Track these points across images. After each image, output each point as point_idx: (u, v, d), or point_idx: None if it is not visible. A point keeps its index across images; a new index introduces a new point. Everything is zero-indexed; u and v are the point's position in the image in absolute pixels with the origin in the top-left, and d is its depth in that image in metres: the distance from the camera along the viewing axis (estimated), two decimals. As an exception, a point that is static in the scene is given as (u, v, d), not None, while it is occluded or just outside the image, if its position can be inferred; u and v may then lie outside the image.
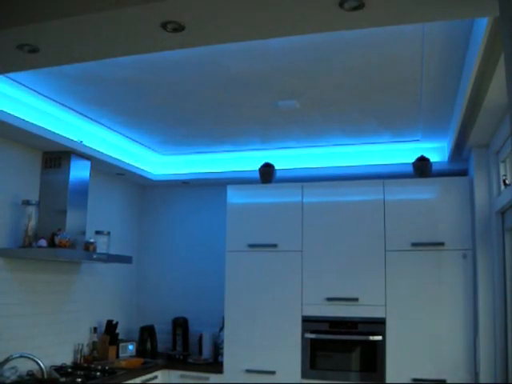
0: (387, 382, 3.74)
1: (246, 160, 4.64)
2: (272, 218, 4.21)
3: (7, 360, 3.08)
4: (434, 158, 4.16)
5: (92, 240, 3.94)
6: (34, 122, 3.40)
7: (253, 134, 4.10)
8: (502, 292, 3.34)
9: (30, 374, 3.42)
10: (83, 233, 3.96)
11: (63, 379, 3.51)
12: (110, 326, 4.45)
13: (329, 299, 3.96)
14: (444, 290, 3.76)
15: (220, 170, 4.72)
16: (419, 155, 4.10)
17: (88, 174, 4.05)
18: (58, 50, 2.23)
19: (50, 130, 3.53)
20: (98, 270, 4.52)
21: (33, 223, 3.58)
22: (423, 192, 3.98)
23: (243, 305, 4.17)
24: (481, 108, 2.74)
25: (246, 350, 4.12)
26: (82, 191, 3.98)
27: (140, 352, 4.63)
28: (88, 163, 4.05)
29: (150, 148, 4.65)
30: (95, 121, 3.86)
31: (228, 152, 4.65)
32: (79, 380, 3.50)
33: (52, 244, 3.56)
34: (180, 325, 4.79)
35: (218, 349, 4.50)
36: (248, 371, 4.05)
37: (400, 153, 4.26)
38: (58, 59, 2.37)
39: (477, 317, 3.57)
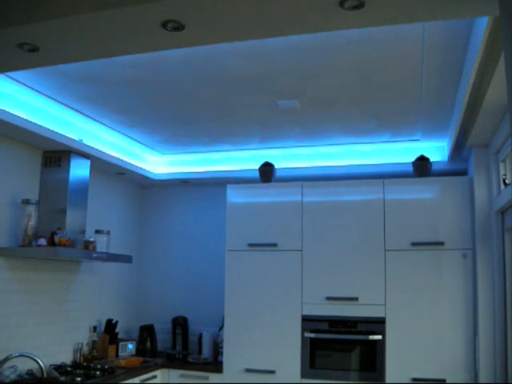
0: (387, 381, 3.75)
1: (245, 159, 4.64)
2: (272, 217, 4.21)
3: (7, 359, 3.07)
4: (433, 157, 4.16)
5: (92, 239, 3.93)
6: (34, 121, 3.39)
7: (253, 133, 4.10)
8: (501, 291, 3.34)
9: (30, 372, 3.42)
10: (83, 232, 3.95)
11: (63, 378, 3.52)
12: (110, 325, 4.45)
13: (328, 298, 3.96)
14: (444, 290, 3.77)
15: (220, 170, 4.72)
16: (419, 155, 4.10)
17: (88, 173, 4.05)
18: (58, 48, 2.23)
19: (50, 129, 3.53)
20: (98, 269, 4.52)
21: (32, 222, 3.58)
22: (423, 191, 3.98)
23: (243, 304, 4.17)
24: (481, 107, 2.74)
25: (245, 350, 4.12)
26: (82, 190, 3.98)
27: (140, 351, 4.63)
28: (88, 162, 4.05)
29: (150, 147, 4.65)
30: (95, 120, 3.87)
31: (228, 151, 4.65)
32: (79, 379, 3.50)
33: (52, 243, 3.56)
34: (180, 324, 4.79)
35: (217, 348, 4.50)
36: (248, 370, 4.05)
37: (400, 152, 4.26)
38: (57, 58, 2.37)
39: (476, 316, 3.58)
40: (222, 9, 1.85)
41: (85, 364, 3.98)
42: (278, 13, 1.88)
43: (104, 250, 4.08)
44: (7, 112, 3.18)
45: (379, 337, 3.82)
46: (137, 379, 3.92)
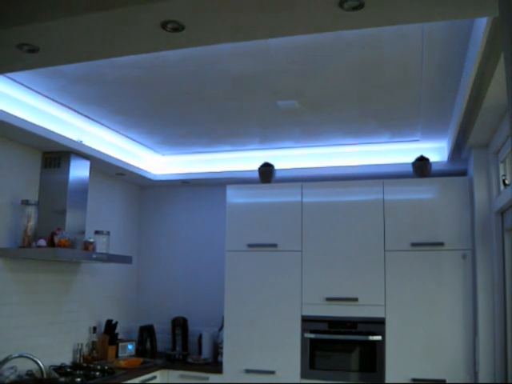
0: (387, 381, 3.74)
1: (245, 160, 4.64)
2: (271, 217, 4.21)
3: (6, 360, 3.07)
4: (433, 157, 4.16)
5: (91, 240, 3.93)
6: (34, 122, 3.39)
7: (252, 133, 4.10)
8: (501, 292, 3.34)
9: (30, 373, 3.41)
10: (83, 233, 3.95)
11: (62, 379, 3.51)
12: (110, 326, 4.45)
13: (328, 299, 3.96)
14: (443, 290, 3.76)
15: (220, 170, 4.72)
16: (419, 155, 4.10)
17: (87, 173, 4.05)
18: (57, 49, 2.23)
19: (49, 130, 3.53)
20: (98, 269, 4.52)
21: (32, 223, 3.58)
22: (423, 192, 3.98)
23: (243, 305, 4.17)
24: (480, 108, 2.74)
25: (245, 350, 4.12)
26: (82, 191, 3.98)
27: (139, 352, 4.63)
28: (87, 163, 4.05)
29: (149, 148, 4.65)
30: (95, 120, 3.86)
31: (228, 152, 4.65)
32: (78, 380, 3.50)
33: (51, 244, 3.55)
34: (179, 324, 4.79)
35: (217, 348, 4.50)
36: (247, 371, 4.05)
37: (399, 153, 4.26)
38: (57, 59, 2.37)
39: (476, 317, 3.58)
40: (221, 10, 1.85)
41: (84, 365, 3.98)
42: (278, 13, 1.88)
43: (104, 251, 4.08)
44: (7, 113, 3.17)
45: (379, 337, 3.82)
46: (136, 380, 3.92)
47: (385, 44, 2.54)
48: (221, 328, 4.41)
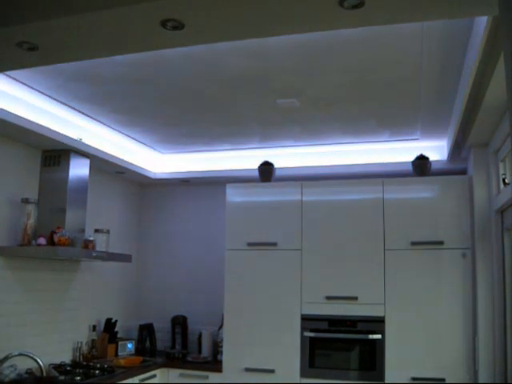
0: (386, 380, 3.75)
1: (245, 159, 4.64)
2: (271, 216, 4.21)
3: (6, 358, 3.08)
4: (433, 156, 4.15)
5: (91, 238, 3.93)
6: (34, 120, 3.39)
7: (252, 132, 4.10)
8: (501, 291, 3.34)
9: (29, 371, 3.41)
10: (82, 231, 3.95)
11: (62, 377, 3.52)
12: (109, 324, 4.45)
13: (328, 298, 3.96)
14: (443, 289, 3.77)
15: (219, 169, 4.72)
16: (418, 154, 4.10)
17: (87, 172, 4.05)
18: (57, 47, 2.22)
19: (49, 128, 3.53)
20: (98, 268, 4.52)
21: (32, 221, 3.58)
22: (422, 191, 3.98)
23: (242, 303, 4.17)
24: (480, 107, 2.74)
25: (245, 349, 4.12)
26: (82, 189, 3.98)
27: (139, 350, 4.63)
28: (87, 161, 4.05)
29: (149, 146, 4.65)
30: (94, 119, 3.86)
31: (227, 150, 4.65)
32: (78, 378, 3.50)
33: (51, 242, 3.56)
34: (179, 323, 4.79)
35: (217, 347, 4.51)
36: (247, 370, 4.05)
37: (399, 151, 4.26)
38: (57, 57, 2.37)
39: (476, 316, 3.58)
40: (221, 8, 1.85)
41: (84, 363, 3.98)
42: (278, 12, 1.88)
43: (103, 249, 4.08)
44: (6, 111, 3.17)
45: (379, 336, 3.82)
46: (136, 378, 3.92)
47: (385, 43, 2.54)
48: (220, 327, 4.41)
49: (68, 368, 3.77)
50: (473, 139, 3.43)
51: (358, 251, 3.97)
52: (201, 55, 2.72)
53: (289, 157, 4.53)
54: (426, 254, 3.82)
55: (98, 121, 3.91)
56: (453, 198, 3.85)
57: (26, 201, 3.57)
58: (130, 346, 4.55)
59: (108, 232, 4.20)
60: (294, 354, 3.99)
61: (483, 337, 3.46)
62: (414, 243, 3.84)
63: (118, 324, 4.53)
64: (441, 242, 3.80)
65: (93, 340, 4.29)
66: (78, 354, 4.09)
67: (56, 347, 3.92)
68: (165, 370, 4.31)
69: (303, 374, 3.95)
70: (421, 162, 4.07)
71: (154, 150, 4.75)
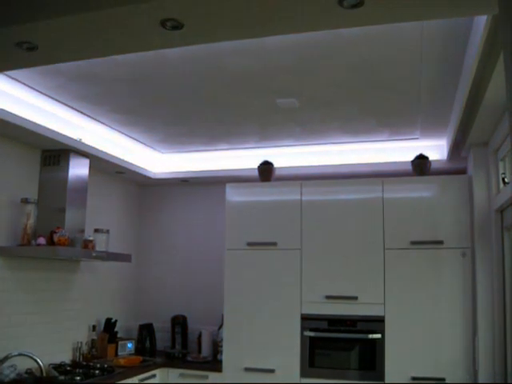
0: (386, 380, 3.75)
1: (245, 158, 4.64)
2: (271, 216, 4.20)
3: (6, 358, 3.08)
4: (432, 156, 4.15)
5: (91, 238, 3.93)
6: (33, 120, 3.39)
7: (252, 132, 4.10)
8: (500, 290, 3.34)
9: (29, 371, 3.41)
10: (82, 231, 3.95)
11: (62, 377, 3.52)
12: (109, 324, 4.45)
13: (328, 297, 3.96)
14: (443, 289, 3.77)
15: (219, 168, 4.72)
16: (418, 153, 4.10)
17: (87, 171, 4.05)
18: (56, 47, 2.22)
19: (48, 128, 3.52)
20: (97, 268, 4.52)
21: (32, 221, 3.58)
22: (422, 190, 3.98)
23: (242, 303, 4.17)
24: (480, 106, 2.74)
25: (245, 348, 4.12)
26: (81, 189, 3.98)
27: (139, 350, 4.63)
28: (87, 161, 4.05)
29: (149, 146, 4.65)
30: (94, 119, 3.86)
31: (227, 150, 4.64)
32: (78, 378, 3.50)
33: (51, 242, 3.55)
34: (179, 323, 4.79)
35: (217, 347, 4.51)
36: (247, 369, 4.05)
37: (399, 151, 4.26)
38: (56, 57, 2.37)
39: (476, 315, 3.58)
40: (220, 8, 1.85)
41: (84, 363, 3.98)
42: (277, 11, 1.87)
43: (103, 249, 4.08)
44: (6, 111, 3.17)
45: (378, 336, 3.82)
46: (136, 378, 3.92)
47: (384, 42, 2.53)
48: (220, 326, 4.41)
49: (68, 368, 3.77)
50: (472, 138, 3.43)
51: (357, 251, 3.97)
52: (200, 55, 2.71)
53: (288, 156, 4.53)
54: (425, 253, 3.82)
55: (98, 121, 3.90)
56: (452, 198, 3.85)
57: (25, 201, 3.57)
58: (129, 345, 4.55)
59: (108, 232, 4.20)
60: (293, 354, 3.99)
61: (483, 336, 3.46)
62: (413, 243, 3.84)
63: (117, 324, 4.53)
64: (440, 242, 3.80)
65: (93, 340, 4.29)
66: (77, 353, 4.09)
67: (56, 347, 3.93)
68: (165, 369, 4.31)
69: (303, 374, 3.95)
70: (420, 162, 4.07)
71: (154, 149, 4.75)
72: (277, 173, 4.43)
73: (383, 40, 2.51)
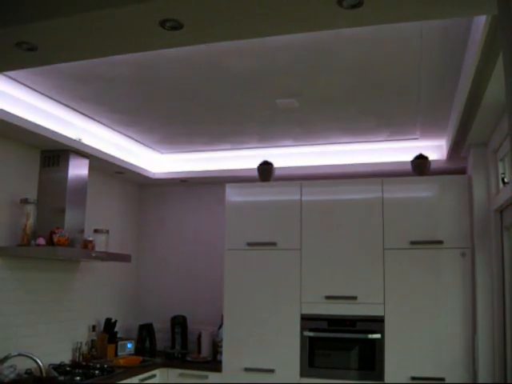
0: (386, 380, 3.75)
1: (244, 158, 4.64)
2: (271, 216, 4.20)
3: (6, 358, 3.08)
4: (432, 156, 4.15)
5: (91, 238, 3.93)
6: (33, 121, 3.39)
7: (251, 132, 4.10)
8: (500, 290, 3.34)
9: (29, 372, 3.42)
10: (82, 231, 3.95)
11: (62, 378, 3.51)
12: (109, 325, 4.45)
13: (327, 297, 3.96)
14: (443, 289, 3.77)
15: (219, 169, 4.72)
16: (418, 153, 4.10)
17: (86, 172, 4.05)
18: (56, 48, 2.22)
19: (48, 129, 3.52)
20: (97, 268, 4.52)
21: (31, 221, 3.58)
22: (422, 190, 3.98)
23: (242, 303, 4.17)
24: (479, 106, 2.74)
25: (244, 349, 4.12)
26: (81, 189, 3.98)
27: (139, 350, 4.63)
28: (86, 161, 4.05)
29: (148, 146, 4.65)
30: (94, 119, 3.86)
31: (227, 150, 4.64)
32: (78, 378, 3.50)
33: (50, 242, 3.55)
34: (179, 323, 4.79)
35: (216, 347, 4.50)
36: (247, 369, 4.05)
37: (398, 151, 4.26)
38: (56, 57, 2.37)
39: (475, 315, 3.58)
40: (220, 8, 1.85)
41: (84, 363, 3.98)
42: (277, 12, 1.88)
43: (103, 250, 4.08)
44: (5, 111, 3.17)
45: (378, 335, 3.82)
46: (136, 378, 3.92)
47: (384, 42, 2.54)
48: (220, 326, 4.41)
49: (68, 368, 3.76)
50: (472, 139, 3.43)
51: (357, 251, 3.97)
52: (200, 55, 2.71)
53: (288, 156, 4.53)
54: (425, 253, 3.82)
55: (97, 121, 3.90)
56: (452, 198, 3.85)
57: (25, 201, 3.57)
58: (129, 346, 4.55)
59: (107, 232, 4.20)
60: (293, 354, 3.99)
61: (483, 336, 3.46)
62: (413, 242, 3.84)
63: (117, 324, 4.53)
64: (440, 242, 3.80)
65: (92, 340, 4.29)
66: (77, 354, 4.09)
67: (55, 347, 3.92)
68: (164, 369, 4.31)
69: (303, 374, 3.95)
70: (420, 162, 4.07)
71: (154, 149, 4.75)
72: (276, 173, 4.43)
73: (383, 40, 2.51)
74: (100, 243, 4.08)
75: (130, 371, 3.92)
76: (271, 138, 4.24)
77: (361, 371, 3.86)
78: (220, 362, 4.21)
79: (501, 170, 3.31)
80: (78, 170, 3.94)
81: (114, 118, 3.86)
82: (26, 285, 3.67)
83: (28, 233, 3.55)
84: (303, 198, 4.16)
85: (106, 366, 3.89)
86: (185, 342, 4.77)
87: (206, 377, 4.20)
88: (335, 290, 3.96)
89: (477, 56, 2.23)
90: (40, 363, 2.99)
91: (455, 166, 4.14)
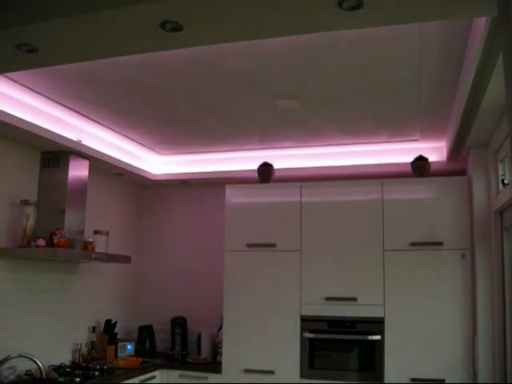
0: (386, 381, 3.74)
1: (244, 160, 4.64)
2: (271, 217, 4.20)
3: (6, 359, 3.08)
4: (432, 157, 4.16)
5: (91, 239, 3.93)
6: (33, 122, 3.39)
7: (251, 133, 4.10)
8: (500, 291, 3.34)
9: (29, 373, 3.41)
10: (82, 232, 3.95)
11: (62, 379, 3.51)
12: (109, 326, 4.45)
13: (327, 299, 3.96)
14: (443, 290, 3.77)
15: (219, 170, 4.72)
16: (418, 155, 4.10)
17: (87, 173, 4.05)
18: (56, 49, 2.22)
19: (48, 130, 3.52)
20: (97, 269, 4.51)
21: (31, 223, 3.58)
22: (422, 192, 3.98)
23: (242, 304, 4.17)
24: (479, 107, 2.74)
25: (244, 350, 4.11)
26: (81, 191, 3.98)
27: (138, 351, 4.63)
28: (87, 163, 4.05)
29: (148, 148, 4.65)
30: (94, 120, 3.86)
31: (227, 152, 4.65)
32: (78, 379, 3.50)
33: (50, 243, 3.55)
34: (179, 324, 4.79)
35: (216, 348, 4.50)
36: (247, 371, 4.05)
37: (398, 152, 4.26)
38: (56, 59, 2.37)
39: (475, 316, 3.58)
40: (220, 10, 1.85)
41: (84, 364, 3.98)
42: (277, 13, 1.88)
43: (103, 251, 4.08)
44: (6, 112, 3.17)
45: (378, 337, 3.82)
46: (136, 379, 3.92)
47: (384, 44, 2.54)
48: (220, 328, 4.41)
49: (67, 369, 3.76)
50: (472, 140, 3.43)
51: (357, 252, 3.97)
52: (200, 57, 2.72)
53: (288, 158, 4.54)
54: (425, 254, 3.82)
55: (98, 122, 3.90)
56: (452, 199, 3.85)
57: (25, 202, 3.57)
58: (129, 347, 4.55)
59: (107, 233, 4.20)
60: (293, 355, 3.99)
61: (483, 337, 3.46)
62: (413, 244, 3.84)
63: (117, 325, 4.53)
64: (440, 243, 3.80)
65: (92, 341, 4.29)
66: (77, 355, 4.09)
67: (55, 348, 3.92)
68: (164, 371, 4.31)
69: (303, 375, 3.95)
70: (420, 163, 4.07)
71: (154, 151, 4.75)
72: (276, 174, 4.43)
73: (383, 41, 2.51)
74: (100, 244, 4.08)
75: (130, 372, 3.91)
76: (271, 139, 4.24)
77: (361, 372, 3.86)
78: (220, 363, 4.21)
79: (501, 171, 3.31)
80: (78, 171, 3.94)
81: (115, 120, 3.86)
82: (26, 286, 3.67)
83: (28, 234, 3.55)
84: (303, 200, 4.16)
85: (105, 367, 3.89)
86: (185, 344, 4.77)
87: (206, 378, 4.19)
88: (335, 291, 3.96)
89: (477, 57, 2.23)
90: (40, 364, 2.99)
91: (455, 167, 4.14)
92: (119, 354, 4.41)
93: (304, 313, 4.02)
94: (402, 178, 4.10)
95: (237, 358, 4.12)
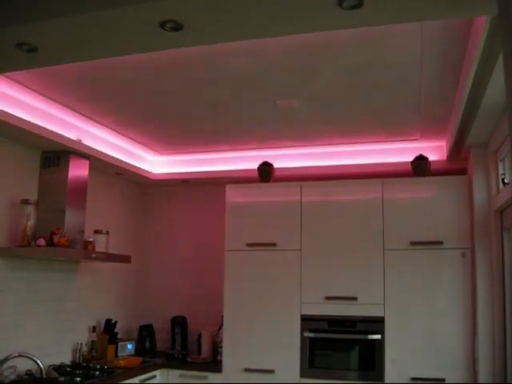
0: (386, 381, 3.74)
1: (244, 159, 4.64)
2: (271, 217, 4.21)
3: (6, 359, 3.07)
4: (432, 156, 4.16)
5: (91, 239, 3.93)
6: (33, 121, 3.39)
7: (252, 132, 4.10)
8: (500, 290, 3.34)
9: (29, 373, 3.41)
10: (82, 232, 3.95)
11: (62, 378, 3.51)
12: (109, 325, 4.45)
13: (328, 298, 3.96)
14: (443, 289, 3.77)
15: (219, 169, 4.72)
16: (418, 154, 4.10)
17: (87, 172, 4.05)
18: (56, 49, 2.22)
19: (48, 129, 3.52)
20: (97, 269, 4.52)
21: (31, 222, 3.58)
22: (422, 191, 3.98)
23: (242, 304, 4.17)
24: (479, 107, 2.74)
25: (244, 349, 4.12)
26: (81, 190, 3.98)
27: (139, 351, 4.63)
28: (87, 162, 4.05)
29: (148, 147, 4.65)
30: (94, 120, 3.86)
31: (227, 151, 4.65)
32: (78, 379, 3.50)
33: (51, 243, 3.55)
34: (179, 324, 4.79)
35: (216, 348, 4.50)
36: (247, 370, 4.05)
37: (399, 152, 4.26)
38: (56, 58, 2.37)
39: (475, 315, 3.58)
40: (220, 9, 1.85)
41: (84, 364, 3.98)
42: (277, 13, 1.88)
43: (103, 250, 4.08)
44: (6, 112, 3.17)
45: (378, 336, 3.82)
46: (136, 379, 3.92)
47: (384, 43, 2.54)
48: (220, 327, 4.41)
49: (68, 369, 3.77)
50: (472, 139, 3.43)
51: (357, 251, 3.97)
52: (200, 56, 2.72)
53: (288, 157, 4.53)
54: (425, 254, 3.82)
55: (98, 122, 3.91)
56: (452, 198, 3.85)
57: (25, 202, 3.57)
58: (129, 346, 4.55)
59: (107, 233, 4.20)
60: (293, 355, 3.99)
61: (483, 336, 3.46)
62: (413, 243, 3.84)
63: (117, 325, 4.53)
64: (440, 242, 3.80)
65: (93, 341, 4.29)
66: (77, 354, 4.09)
67: (56, 348, 3.92)
68: (165, 370, 4.31)
69: (303, 375, 3.95)
70: (420, 162, 4.07)
71: (154, 150, 4.75)
72: (276, 174, 4.43)
73: (383, 41, 2.51)
74: (100, 244, 4.08)
75: (130, 372, 3.92)
76: (271, 138, 4.24)
77: (361, 372, 3.86)
78: (220, 362, 4.21)
79: (501, 171, 3.31)
80: (78, 170, 3.94)
81: (115, 119, 3.86)
82: (26, 285, 3.67)
83: (28, 233, 3.55)
84: (303, 199, 4.16)
85: (106, 366, 3.89)
86: (185, 343, 4.77)
87: (206, 377, 4.19)
88: (335, 290, 3.96)
89: (477, 57, 2.23)
90: (40, 364, 2.98)
91: (455, 166, 4.14)
92: (119, 354, 4.41)
93: (304, 312, 4.02)
94: (402, 178, 4.10)
95: (237, 357, 4.12)
